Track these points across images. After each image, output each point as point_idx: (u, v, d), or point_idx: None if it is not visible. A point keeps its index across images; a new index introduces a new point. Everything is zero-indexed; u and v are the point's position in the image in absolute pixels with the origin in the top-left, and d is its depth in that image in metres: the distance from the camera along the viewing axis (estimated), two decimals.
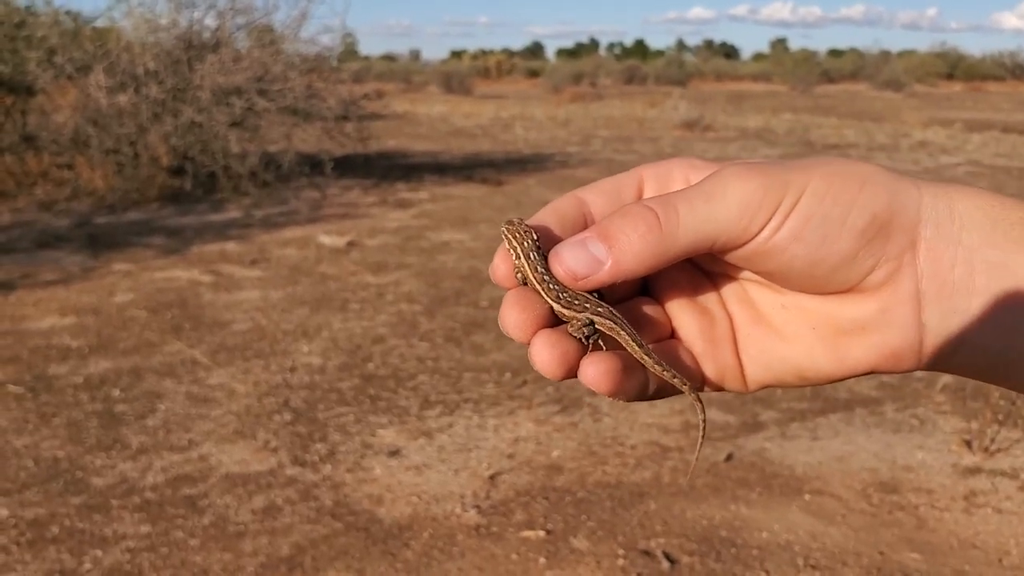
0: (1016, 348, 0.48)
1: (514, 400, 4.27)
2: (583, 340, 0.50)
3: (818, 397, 4.26)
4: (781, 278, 0.52)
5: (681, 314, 0.56)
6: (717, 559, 2.87)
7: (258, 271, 6.81)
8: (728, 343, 0.55)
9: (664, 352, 0.54)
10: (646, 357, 0.51)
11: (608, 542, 3.01)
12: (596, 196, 0.55)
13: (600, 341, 0.51)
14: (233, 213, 9.16)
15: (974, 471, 3.49)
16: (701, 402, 0.53)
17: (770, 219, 0.48)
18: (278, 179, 10.11)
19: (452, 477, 3.51)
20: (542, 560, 2.91)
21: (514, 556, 2.94)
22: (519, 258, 0.52)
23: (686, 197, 0.48)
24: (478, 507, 3.26)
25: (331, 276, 6.68)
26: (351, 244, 7.70)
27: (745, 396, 4.29)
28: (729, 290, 0.56)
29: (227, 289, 6.28)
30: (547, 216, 0.54)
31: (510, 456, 3.66)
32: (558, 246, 0.50)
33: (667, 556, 2.90)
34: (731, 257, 0.51)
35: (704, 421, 0.55)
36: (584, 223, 0.54)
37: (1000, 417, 3.95)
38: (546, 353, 0.50)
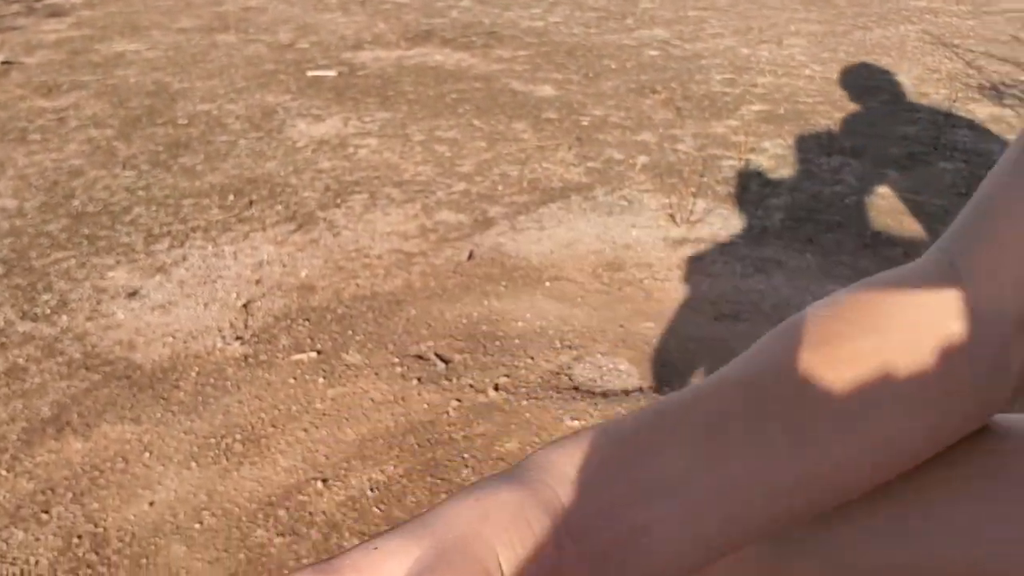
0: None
1: (245, 223, 4.17)
2: None
3: (536, 189, 4.55)
4: None
5: None
6: (485, 352, 3.11)
7: None
8: None
9: None
10: None
11: (380, 352, 3.14)
12: None
13: None
14: None
15: (681, 242, 3.95)
16: None
17: None
18: None
19: (203, 311, 3.44)
20: (320, 380, 2.99)
21: (291, 380, 3.00)
22: None
23: None
24: (240, 338, 3.25)
25: None
26: (7, 64, 6.81)
27: (471, 194, 4.49)
28: None
29: None
30: None
31: (257, 282, 3.63)
32: None
33: (440, 357, 3.09)
34: None
35: None
36: None
37: (694, 191, 4.46)
38: None
